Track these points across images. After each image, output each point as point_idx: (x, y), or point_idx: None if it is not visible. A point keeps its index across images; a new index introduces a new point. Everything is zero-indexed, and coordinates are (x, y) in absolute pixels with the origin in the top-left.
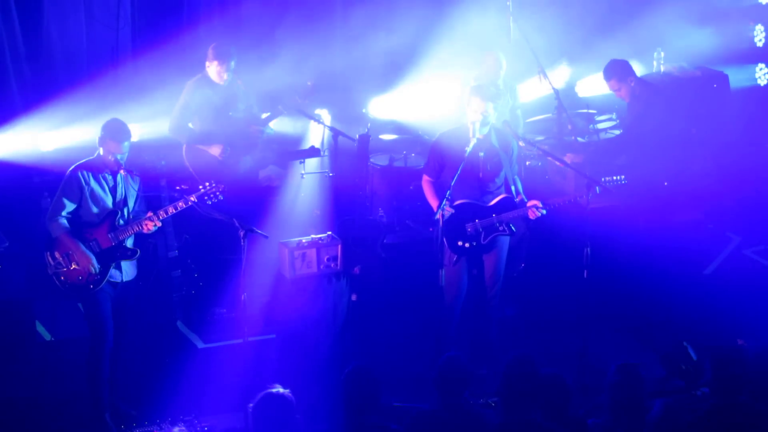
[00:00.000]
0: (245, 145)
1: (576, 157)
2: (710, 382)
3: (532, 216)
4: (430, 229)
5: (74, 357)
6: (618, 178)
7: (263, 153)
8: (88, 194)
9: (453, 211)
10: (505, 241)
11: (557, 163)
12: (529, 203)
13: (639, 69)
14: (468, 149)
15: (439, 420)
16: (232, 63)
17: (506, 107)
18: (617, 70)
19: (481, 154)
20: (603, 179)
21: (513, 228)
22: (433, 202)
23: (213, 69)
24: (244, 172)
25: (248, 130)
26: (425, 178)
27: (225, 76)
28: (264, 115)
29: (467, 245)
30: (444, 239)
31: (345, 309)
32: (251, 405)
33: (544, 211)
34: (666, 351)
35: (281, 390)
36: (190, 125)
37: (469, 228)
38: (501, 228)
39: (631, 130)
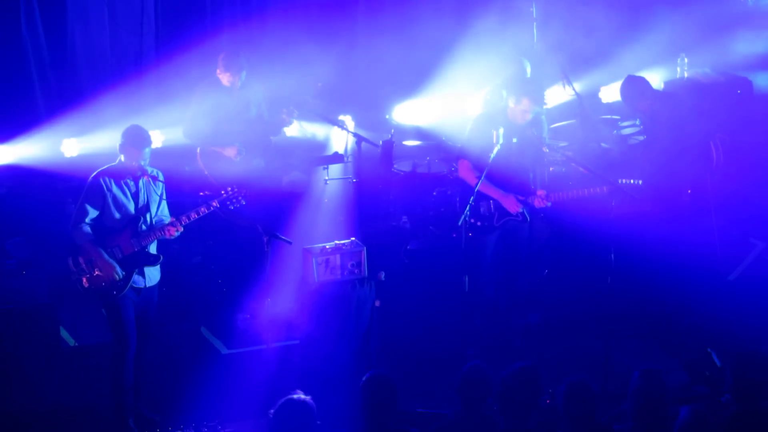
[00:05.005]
0: (259, 147)
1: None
2: (731, 388)
3: (537, 205)
4: (453, 235)
5: (98, 362)
6: (635, 181)
7: (286, 158)
8: (110, 200)
9: None
10: (520, 228)
11: (581, 168)
12: (538, 192)
13: (662, 75)
14: (496, 148)
15: (461, 427)
16: (244, 74)
17: None
18: (633, 90)
19: (515, 139)
20: (620, 181)
21: (526, 214)
22: (490, 191)
23: (224, 79)
24: (260, 175)
25: (264, 131)
26: (465, 163)
27: (238, 85)
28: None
29: (479, 223)
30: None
31: (368, 315)
32: (272, 411)
33: (549, 203)
34: (690, 357)
35: (302, 396)
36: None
37: (482, 207)
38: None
39: (651, 141)
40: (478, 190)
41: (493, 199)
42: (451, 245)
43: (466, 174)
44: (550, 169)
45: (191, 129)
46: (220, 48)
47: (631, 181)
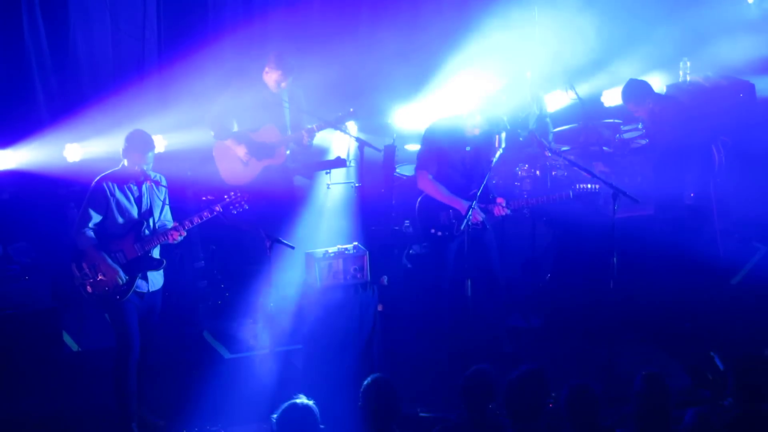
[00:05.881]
0: (271, 155)
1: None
2: (734, 391)
3: (497, 213)
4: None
5: (101, 367)
6: (592, 186)
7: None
8: (114, 205)
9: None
10: (482, 235)
11: (583, 173)
12: (497, 200)
13: (665, 78)
14: (498, 152)
15: (464, 431)
16: (290, 78)
17: (532, 117)
18: (635, 93)
19: (468, 148)
20: (578, 186)
21: (486, 222)
22: (454, 202)
23: (272, 77)
24: (265, 181)
25: (281, 141)
26: (425, 174)
27: (283, 86)
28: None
29: (439, 233)
30: (419, 225)
31: (371, 319)
32: (275, 416)
33: (509, 210)
34: (693, 361)
35: (305, 400)
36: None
37: (442, 217)
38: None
39: (653, 145)
40: (438, 201)
41: (453, 209)
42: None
43: (426, 185)
44: (553, 173)
45: (214, 117)
46: (222, 53)
47: (588, 186)
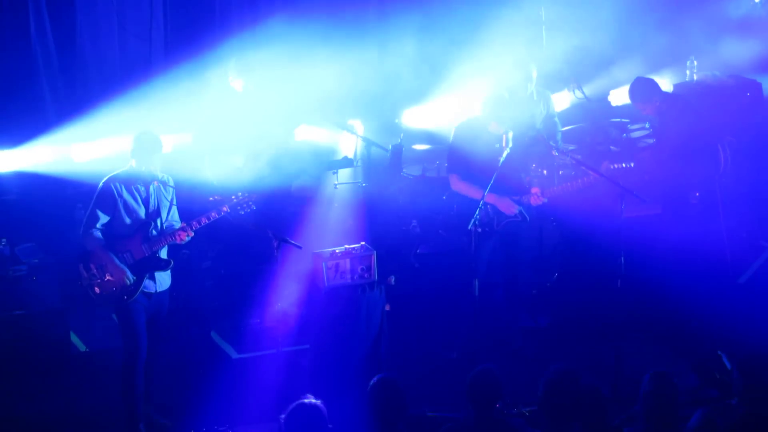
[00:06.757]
0: (270, 156)
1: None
2: (740, 391)
3: (533, 202)
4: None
5: (109, 367)
6: (626, 164)
7: (295, 163)
8: (121, 206)
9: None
10: (519, 228)
11: (590, 172)
12: (532, 190)
13: (672, 77)
14: (505, 152)
15: (471, 431)
16: (254, 79)
17: (540, 116)
18: (642, 91)
19: (497, 145)
20: (612, 166)
21: (525, 213)
22: (490, 198)
23: (236, 84)
24: (271, 184)
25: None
26: (455, 177)
27: (249, 89)
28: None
29: (480, 230)
30: (460, 225)
31: (379, 319)
32: (283, 416)
33: (545, 199)
34: (700, 360)
35: (313, 400)
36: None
37: (481, 213)
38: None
39: (660, 144)
40: (472, 198)
41: (490, 204)
42: (460, 249)
43: (459, 186)
44: (560, 172)
45: (201, 135)
46: (229, 53)
47: (623, 164)
